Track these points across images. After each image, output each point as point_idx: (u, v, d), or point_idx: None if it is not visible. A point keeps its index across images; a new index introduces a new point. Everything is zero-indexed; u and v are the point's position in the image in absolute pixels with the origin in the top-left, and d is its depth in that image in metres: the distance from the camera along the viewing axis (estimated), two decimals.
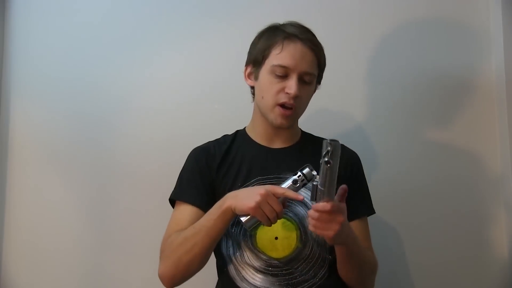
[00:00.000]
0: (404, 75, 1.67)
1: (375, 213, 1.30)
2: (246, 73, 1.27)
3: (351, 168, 1.27)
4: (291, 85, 1.16)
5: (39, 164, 1.67)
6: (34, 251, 1.64)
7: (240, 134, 1.31)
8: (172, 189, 1.26)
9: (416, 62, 1.67)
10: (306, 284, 1.16)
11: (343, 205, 1.03)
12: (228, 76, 1.65)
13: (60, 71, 1.70)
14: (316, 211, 1.00)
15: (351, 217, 1.16)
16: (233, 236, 1.19)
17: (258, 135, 1.27)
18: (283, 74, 1.17)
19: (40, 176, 1.67)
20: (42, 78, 1.70)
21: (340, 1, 1.69)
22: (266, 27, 1.25)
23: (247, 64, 1.27)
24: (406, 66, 1.67)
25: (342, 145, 1.30)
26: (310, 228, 1.03)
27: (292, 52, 1.17)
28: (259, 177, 1.21)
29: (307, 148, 1.27)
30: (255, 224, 1.07)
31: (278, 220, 1.06)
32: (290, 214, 1.18)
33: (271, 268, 1.16)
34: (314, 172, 1.03)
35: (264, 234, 1.16)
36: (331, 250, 1.18)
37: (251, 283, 1.16)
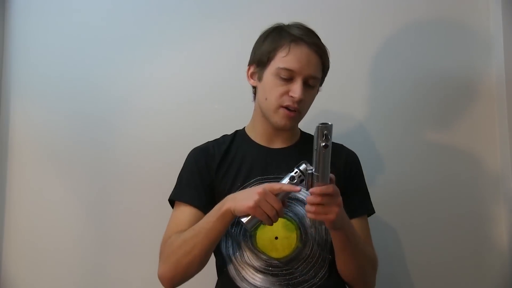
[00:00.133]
0: (404, 75, 1.67)
1: (374, 212, 1.29)
2: (249, 73, 1.26)
3: (350, 167, 1.27)
4: (296, 89, 1.16)
5: (39, 164, 1.67)
6: (34, 251, 1.64)
7: (240, 134, 1.31)
8: (172, 189, 1.26)
9: (416, 63, 1.67)
10: (306, 284, 1.16)
11: (337, 188, 1.03)
12: (228, 76, 1.65)
13: (60, 71, 1.70)
14: (317, 195, 1.00)
15: (350, 215, 1.16)
16: (233, 236, 1.19)
17: (258, 135, 1.27)
18: (288, 77, 1.17)
19: (40, 176, 1.67)
20: (42, 78, 1.70)
21: (340, 2, 1.69)
22: (270, 27, 1.24)
23: (250, 64, 1.26)
24: (406, 66, 1.67)
25: (341, 145, 1.31)
26: (310, 215, 1.03)
27: (299, 56, 1.17)
28: (258, 177, 1.21)
29: (306, 148, 1.26)
30: (256, 224, 1.07)
31: (278, 220, 1.06)
32: (290, 214, 1.18)
33: (271, 268, 1.16)
34: (311, 168, 1.03)
35: (264, 234, 1.16)
36: (331, 250, 1.18)
37: (251, 283, 1.16)
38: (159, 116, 1.67)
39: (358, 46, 1.67)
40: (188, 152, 1.29)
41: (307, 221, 1.17)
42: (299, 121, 1.25)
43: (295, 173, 1.04)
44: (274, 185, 1.04)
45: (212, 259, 1.21)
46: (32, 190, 1.66)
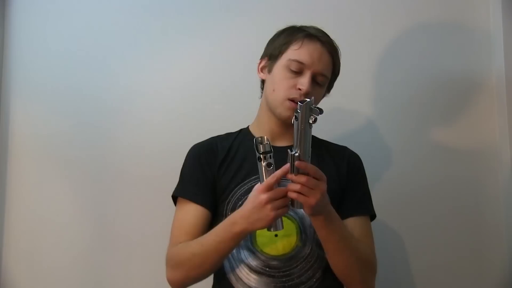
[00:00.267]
0: (406, 76, 1.67)
1: (376, 216, 1.27)
2: (260, 67, 1.27)
3: (352, 168, 1.27)
4: (304, 82, 1.16)
5: (39, 164, 1.67)
6: (34, 251, 1.64)
7: (244, 132, 1.31)
8: (173, 189, 1.25)
9: (417, 64, 1.68)
10: (303, 286, 1.14)
11: (325, 176, 1.02)
12: (229, 77, 1.65)
13: (60, 71, 1.71)
14: (302, 176, 0.98)
15: (346, 213, 1.15)
16: None
17: (261, 133, 1.26)
18: (298, 70, 1.18)
19: (40, 176, 1.67)
20: (42, 78, 1.70)
21: (346, 7, 1.70)
22: (286, 26, 1.25)
23: (262, 58, 1.27)
24: (408, 67, 1.68)
25: (345, 147, 1.31)
26: (291, 194, 1.00)
27: (311, 51, 1.18)
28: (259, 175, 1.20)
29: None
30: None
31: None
32: (291, 213, 1.17)
33: (268, 269, 1.15)
34: (267, 142, 1.02)
35: (264, 231, 1.15)
36: None
37: (245, 283, 1.15)
38: (160, 116, 1.67)
39: (361, 48, 1.67)
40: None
41: (307, 221, 1.16)
42: None
43: (264, 159, 1.02)
44: (270, 181, 1.02)
45: None
46: (31, 190, 1.67)
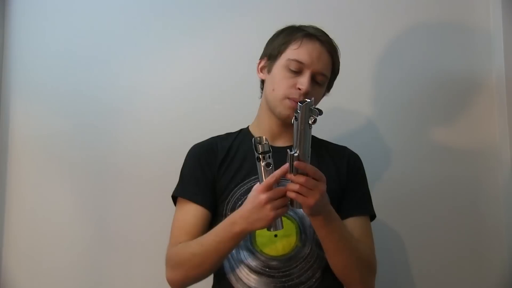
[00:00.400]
0: (406, 76, 1.67)
1: (375, 216, 1.27)
2: (259, 67, 1.27)
3: (352, 168, 1.27)
4: (304, 81, 1.16)
5: (39, 165, 1.67)
6: (34, 251, 1.64)
7: (243, 132, 1.31)
8: (173, 189, 1.25)
9: (417, 64, 1.68)
10: (303, 286, 1.14)
11: (324, 177, 1.02)
12: (229, 77, 1.65)
13: (61, 71, 1.71)
14: (301, 176, 0.98)
15: (346, 213, 1.15)
16: None
17: (261, 133, 1.26)
18: (297, 69, 1.18)
19: (40, 176, 1.67)
20: (42, 79, 1.70)
21: (343, 5, 1.70)
22: (285, 26, 1.25)
23: (261, 58, 1.27)
24: (408, 67, 1.67)
25: (344, 147, 1.31)
26: (290, 194, 1.00)
27: (310, 50, 1.18)
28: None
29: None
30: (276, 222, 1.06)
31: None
32: (290, 213, 1.17)
33: (268, 269, 1.15)
34: (265, 142, 1.02)
35: (264, 231, 1.15)
36: None
37: (245, 284, 1.15)
38: (160, 116, 1.67)
39: (361, 48, 1.67)
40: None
41: (307, 221, 1.16)
42: None
43: (262, 159, 1.02)
44: (270, 181, 1.02)
45: None
46: (31, 190, 1.66)
